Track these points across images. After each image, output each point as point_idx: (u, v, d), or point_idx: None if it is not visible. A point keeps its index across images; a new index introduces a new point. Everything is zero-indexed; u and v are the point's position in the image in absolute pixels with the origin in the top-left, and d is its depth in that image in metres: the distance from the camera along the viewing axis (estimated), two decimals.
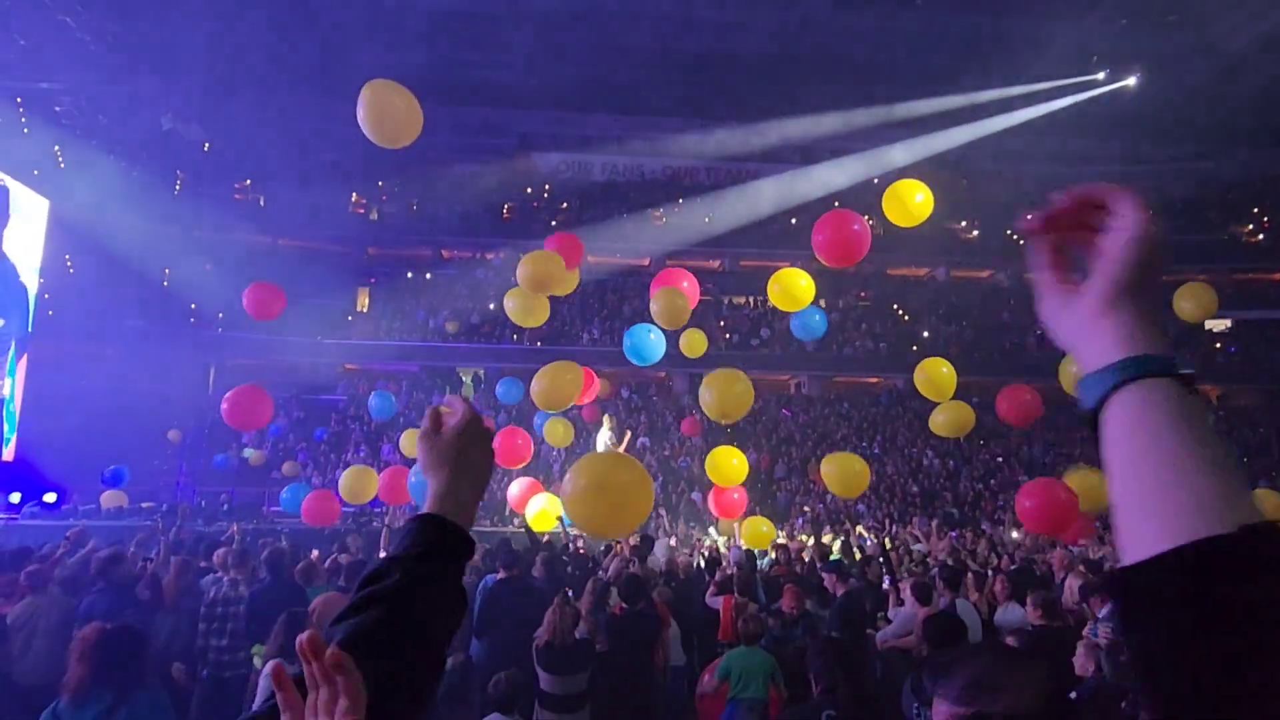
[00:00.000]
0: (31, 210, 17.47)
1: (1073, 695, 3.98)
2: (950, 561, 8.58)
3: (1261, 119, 29.45)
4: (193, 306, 24.34)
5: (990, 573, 7.71)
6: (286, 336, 23.17)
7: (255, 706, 1.07)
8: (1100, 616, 5.17)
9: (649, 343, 9.07)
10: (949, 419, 8.87)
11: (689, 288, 8.97)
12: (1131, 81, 29.68)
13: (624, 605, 5.65)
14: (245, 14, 23.89)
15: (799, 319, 9.64)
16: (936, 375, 8.96)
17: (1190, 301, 8.54)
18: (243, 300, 8.64)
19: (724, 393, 7.31)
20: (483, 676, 5.61)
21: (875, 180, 31.18)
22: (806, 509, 20.13)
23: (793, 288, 8.53)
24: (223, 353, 24.94)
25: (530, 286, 8.14)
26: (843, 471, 8.25)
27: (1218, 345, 28.75)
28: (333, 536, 10.18)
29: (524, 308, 8.54)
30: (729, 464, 8.74)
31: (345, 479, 9.50)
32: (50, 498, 14.59)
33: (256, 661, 5.63)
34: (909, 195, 7.55)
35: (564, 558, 8.52)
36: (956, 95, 29.41)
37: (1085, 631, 4.81)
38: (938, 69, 29.39)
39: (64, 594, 5.71)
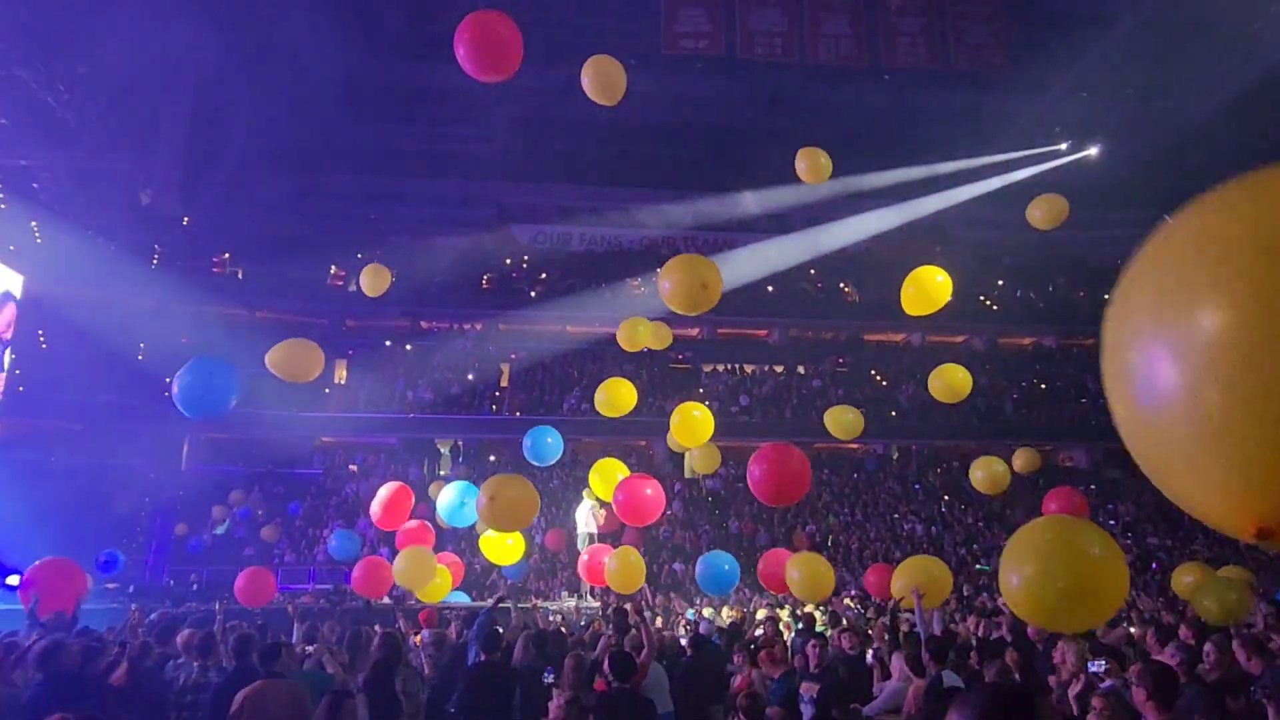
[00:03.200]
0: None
1: None
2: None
3: (1227, 180, 30.39)
4: (167, 380, 24.04)
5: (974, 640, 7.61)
6: (262, 410, 22.87)
7: None
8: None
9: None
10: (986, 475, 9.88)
11: None
12: (1093, 151, 30.67)
13: (611, 683, 5.45)
14: (224, 90, 24.25)
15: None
16: None
17: None
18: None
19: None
20: None
21: (847, 248, 31.83)
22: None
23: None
24: (197, 427, 24.55)
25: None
26: None
27: None
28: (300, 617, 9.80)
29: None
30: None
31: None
32: (13, 580, 14.09)
33: None
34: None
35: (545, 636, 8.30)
36: (925, 166, 30.20)
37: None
38: (907, 141, 30.23)
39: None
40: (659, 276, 7.31)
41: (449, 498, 9.90)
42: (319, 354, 8.53)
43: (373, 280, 10.73)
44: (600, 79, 7.67)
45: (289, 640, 7.17)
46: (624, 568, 8.48)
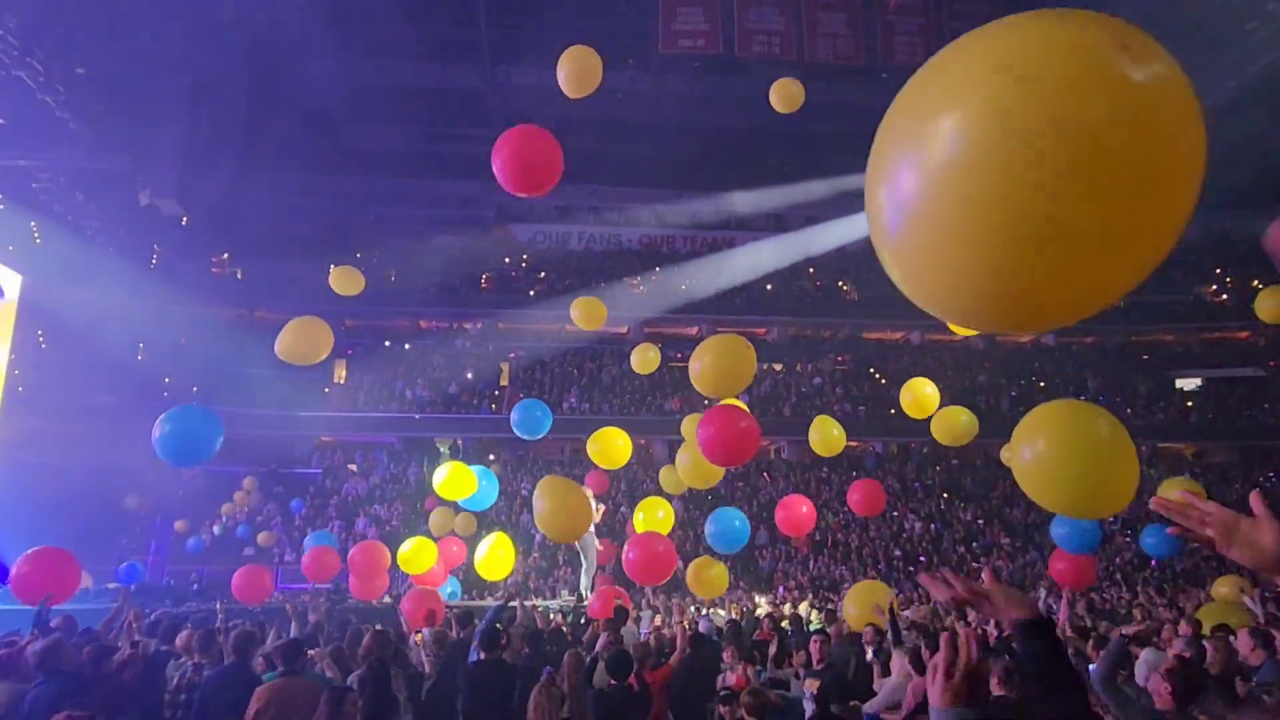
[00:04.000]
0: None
1: None
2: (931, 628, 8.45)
3: (1221, 181, 30.36)
4: (166, 380, 24.07)
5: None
6: (262, 410, 22.92)
7: None
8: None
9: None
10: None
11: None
12: None
13: (613, 681, 5.47)
14: (224, 91, 24.23)
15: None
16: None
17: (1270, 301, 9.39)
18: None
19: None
20: None
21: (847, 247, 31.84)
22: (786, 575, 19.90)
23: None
24: None
25: None
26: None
27: (1189, 404, 29.12)
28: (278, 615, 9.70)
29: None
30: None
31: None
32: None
33: None
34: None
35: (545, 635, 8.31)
36: None
37: None
38: None
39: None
40: (690, 360, 7.33)
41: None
42: (326, 330, 8.36)
43: (343, 281, 10.71)
44: (576, 71, 7.52)
45: None
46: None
